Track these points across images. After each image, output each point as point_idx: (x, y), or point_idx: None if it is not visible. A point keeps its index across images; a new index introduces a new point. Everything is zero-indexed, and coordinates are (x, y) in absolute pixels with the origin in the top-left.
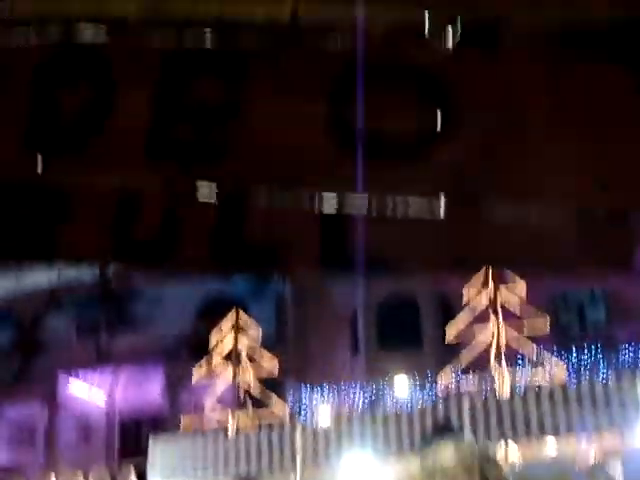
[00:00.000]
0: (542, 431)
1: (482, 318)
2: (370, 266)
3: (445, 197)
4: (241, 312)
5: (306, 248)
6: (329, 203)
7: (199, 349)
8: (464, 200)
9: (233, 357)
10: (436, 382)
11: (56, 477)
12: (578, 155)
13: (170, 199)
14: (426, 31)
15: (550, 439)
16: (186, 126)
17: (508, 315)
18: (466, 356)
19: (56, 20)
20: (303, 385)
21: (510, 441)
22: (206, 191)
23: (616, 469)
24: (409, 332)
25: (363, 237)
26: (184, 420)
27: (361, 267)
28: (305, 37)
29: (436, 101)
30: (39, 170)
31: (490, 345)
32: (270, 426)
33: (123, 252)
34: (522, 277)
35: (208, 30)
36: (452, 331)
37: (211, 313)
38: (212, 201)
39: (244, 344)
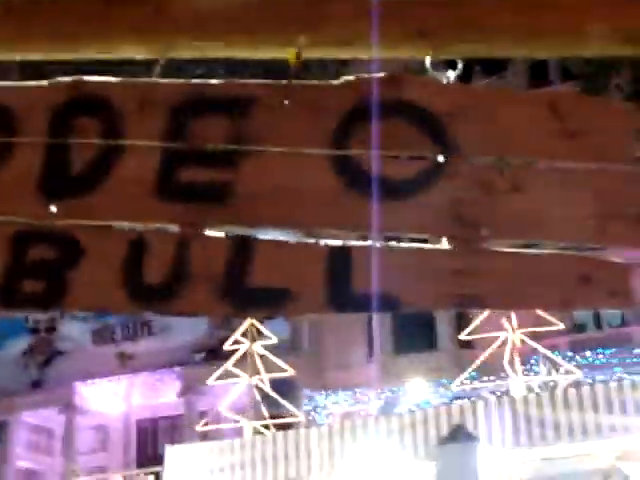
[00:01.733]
0: (557, 434)
1: (497, 321)
2: (376, 304)
3: (446, 235)
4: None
5: (312, 290)
6: (335, 242)
7: (214, 355)
8: (465, 238)
9: (248, 362)
10: (451, 385)
11: None
12: (579, 194)
13: (179, 241)
14: (427, 69)
15: (565, 442)
16: (194, 169)
17: (523, 317)
18: (481, 358)
19: (66, 65)
20: (318, 389)
21: (524, 444)
22: (215, 233)
23: (632, 472)
24: (424, 335)
25: (368, 276)
26: (200, 425)
27: (367, 306)
28: (309, 78)
29: (436, 139)
30: (50, 215)
31: (505, 347)
32: (285, 431)
33: (134, 296)
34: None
35: (214, 74)
36: (467, 334)
37: (227, 319)
38: (220, 243)
39: (259, 349)
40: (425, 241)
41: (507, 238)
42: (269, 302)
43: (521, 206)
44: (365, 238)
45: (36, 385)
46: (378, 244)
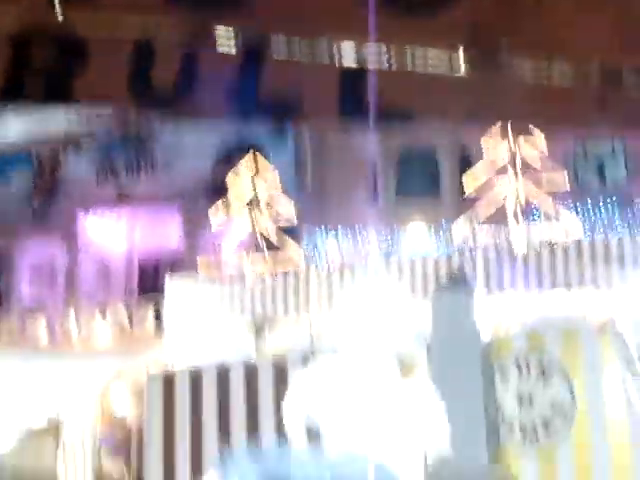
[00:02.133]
0: (554, 285)
1: (500, 170)
2: (387, 117)
3: (463, 50)
4: (258, 155)
5: (324, 98)
6: (348, 55)
7: (217, 193)
8: (481, 53)
9: (251, 201)
10: (452, 232)
11: (75, 314)
12: (598, 10)
13: (188, 45)
14: None
15: (562, 293)
16: None
17: (527, 168)
18: (483, 208)
19: None
20: (320, 230)
21: (522, 294)
22: (225, 40)
23: (626, 326)
24: (427, 181)
25: (381, 89)
26: (201, 262)
27: (378, 117)
28: None
29: None
30: (59, 16)
31: (507, 198)
32: (286, 270)
33: (140, 96)
34: (540, 130)
35: None
36: (470, 182)
37: (230, 158)
38: (231, 50)
39: (262, 188)
40: (441, 57)
41: (526, 51)
42: (280, 109)
43: (543, 20)
44: (380, 52)
45: (39, 218)
46: (393, 59)
